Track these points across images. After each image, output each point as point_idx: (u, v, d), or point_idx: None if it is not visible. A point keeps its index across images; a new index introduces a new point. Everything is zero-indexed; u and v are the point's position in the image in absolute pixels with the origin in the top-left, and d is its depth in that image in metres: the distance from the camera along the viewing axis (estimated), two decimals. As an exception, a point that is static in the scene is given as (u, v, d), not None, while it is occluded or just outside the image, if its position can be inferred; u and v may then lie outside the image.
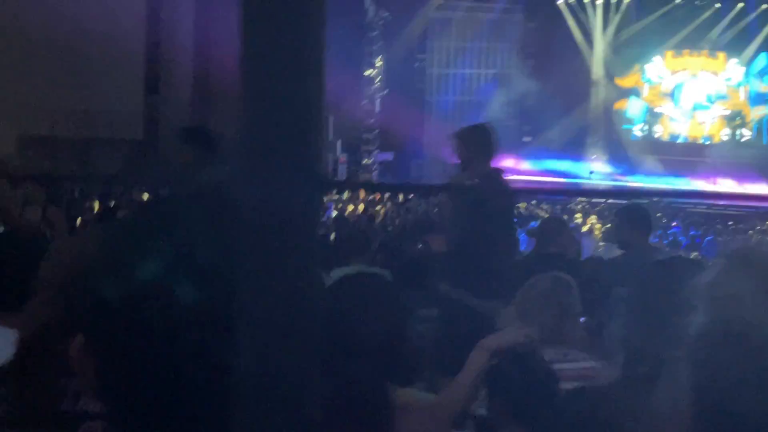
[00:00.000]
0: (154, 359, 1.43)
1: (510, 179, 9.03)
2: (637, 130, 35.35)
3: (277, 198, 1.09)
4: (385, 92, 32.34)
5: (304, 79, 1.10)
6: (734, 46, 33.49)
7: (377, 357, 3.10)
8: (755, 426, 1.42)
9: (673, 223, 23.07)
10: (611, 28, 34.65)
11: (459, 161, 8.14)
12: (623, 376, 3.58)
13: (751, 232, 21.92)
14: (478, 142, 8.01)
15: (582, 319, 5.44)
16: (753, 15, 32.60)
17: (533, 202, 27.30)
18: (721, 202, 28.21)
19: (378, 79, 32.36)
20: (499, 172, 8.24)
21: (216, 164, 6.36)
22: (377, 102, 32.32)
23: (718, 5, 33.10)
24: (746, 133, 34.02)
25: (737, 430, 1.44)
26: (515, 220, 9.54)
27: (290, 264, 1.11)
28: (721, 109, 34.22)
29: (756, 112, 33.90)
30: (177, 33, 26.99)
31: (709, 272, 1.48)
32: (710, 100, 34.34)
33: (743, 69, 33.83)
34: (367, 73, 32.25)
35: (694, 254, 18.29)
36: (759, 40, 33.03)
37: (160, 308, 1.44)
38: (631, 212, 8.43)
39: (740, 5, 32.67)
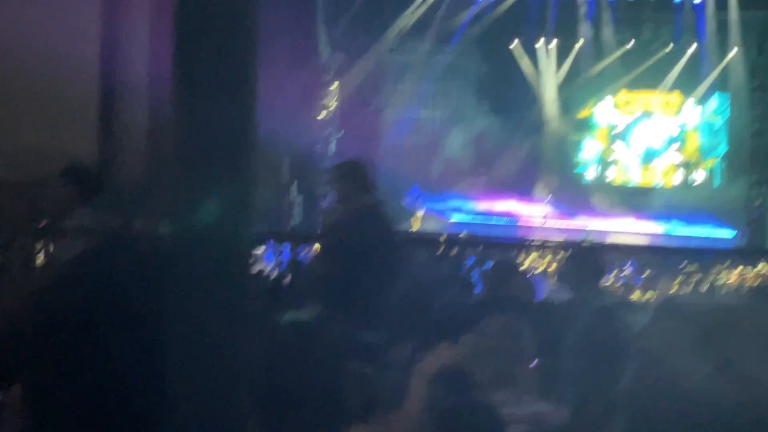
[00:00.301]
0: (85, 406, 1.43)
1: (389, 213, 9.02)
2: (590, 173, 35.56)
3: (211, 246, 1.10)
4: (341, 134, 32.39)
5: (239, 134, 1.11)
6: (689, 86, 33.71)
7: (315, 404, 3.10)
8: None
9: (626, 264, 23.14)
10: (563, 70, 34.89)
11: (336, 196, 8.18)
12: (572, 420, 3.60)
13: (702, 273, 22.04)
14: (354, 177, 8.05)
15: (534, 363, 5.47)
16: (707, 56, 32.88)
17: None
18: (674, 244, 28.37)
19: (333, 121, 32.41)
20: (376, 206, 8.24)
21: (97, 204, 6.25)
22: (332, 144, 32.36)
23: (671, 46, 33.37)
24: (699, 177, 34.21)
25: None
26: (396, 253, 9.52)
27: (223, 313, 1.11)
28: (675, 153, 34.42)
29: (709, 155, 34.14)
30: (133, 72, 26.89)
31: (640, 322, 1.50)
32: (664, 143, 34.55)
33: (699, 109, 34.05)
34: (322, 115, 32.31)
35: (648, 294, 18.36)
36: (712, 79, 33.25)
37: (87, 357, 1.44)
38: (581, 255, 8.47)
39: (694, 45, 32.94)
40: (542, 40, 34.75)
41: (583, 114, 35.50)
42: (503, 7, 34.02)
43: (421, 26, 33.87)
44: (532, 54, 35.02)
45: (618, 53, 33.93)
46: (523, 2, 33.99)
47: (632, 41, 33.70)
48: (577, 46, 34.31)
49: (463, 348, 4.69)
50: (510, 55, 35.07)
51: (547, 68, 35.03)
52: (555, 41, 34.64)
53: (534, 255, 24.82)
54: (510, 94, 34.96)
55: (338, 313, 7.70)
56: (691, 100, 33.90)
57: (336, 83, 32.29)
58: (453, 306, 10.37)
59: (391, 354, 7.73)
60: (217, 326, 1.20)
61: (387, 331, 7.95)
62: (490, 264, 15.34)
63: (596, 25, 33.83)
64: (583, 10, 33.43)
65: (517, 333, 5.06)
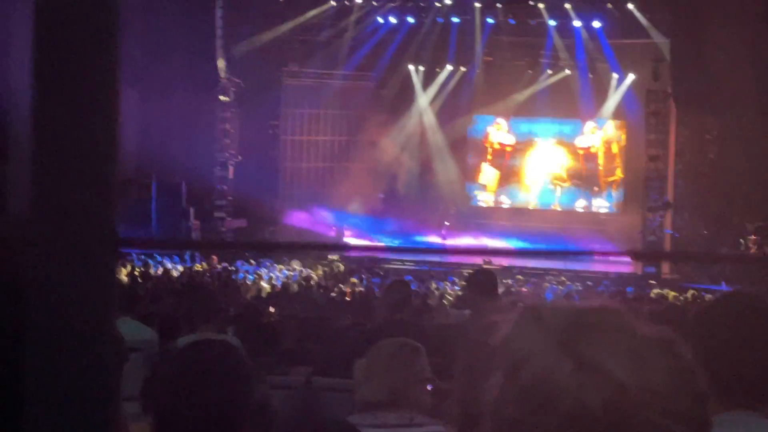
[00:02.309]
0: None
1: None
2: (486, 196, 35.76)
3: (71, 261, 1.08)
4: (239, 159, 32.28)
5: (99, 144, 1.10)
6: (585, 112, 33.92)
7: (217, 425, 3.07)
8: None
9: (523, 287, 23.39)
10: (464, 95, 35.11)
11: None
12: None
13: (606, 294, 22.40)
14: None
15: (430, 387, 5.46)
16: (603, 82, 33.25)
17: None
18: (570, 267, 28.57)
19: (231, 146, 32.30)
20: None
21: None
22: (230, 169, 32.22)
23: (568, 72, 33.67)
24: (603, 204, 34.45)
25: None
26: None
27: (85, 327, 1.09)
28: (571, 177, 34.69)
29: (605, 179, 34.42)
30: (24, 98, 26.55)
31: (504, 329, 1.51)
32: (560, 168, 34.80)
33: (596, 134, 34.34)
34: (220, 139, 32.19)
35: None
36: (608, 105, 33.58)
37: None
38: (479, 276, 8.54)
39: (590, 72, 33.28)
40: (439, 64, 34.99)
41: (480, 138, 35.69)
42: (401, 33, 34.26)
43: (319, 52, 33.92)
44: (429, 77, 35.27)
45: (519, 79, 34.22)
46: (424, 29, 34.21)
47: (530, 68, 33.98)
48: (478, 71, 34.52)
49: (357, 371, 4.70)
50: (408, 79, 35.28)
51: (443, 91, 35.26)
52: (450, 66, 34.85)
53: (433, 277, 24.98)
54: (407, 117, 35.21)
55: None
56: (588, 125, 34.19)
57: (234, 108, 32.19)
58: (349, 328, 10.39)
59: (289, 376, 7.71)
60: (77, 341, 1.17)
61: (285, 355, 7.92)
62: (387, 284, 15.40)
63: (492, 52, 34.08)
64: (478, 36, 33.67)
65: (413, 353, 5.06)
